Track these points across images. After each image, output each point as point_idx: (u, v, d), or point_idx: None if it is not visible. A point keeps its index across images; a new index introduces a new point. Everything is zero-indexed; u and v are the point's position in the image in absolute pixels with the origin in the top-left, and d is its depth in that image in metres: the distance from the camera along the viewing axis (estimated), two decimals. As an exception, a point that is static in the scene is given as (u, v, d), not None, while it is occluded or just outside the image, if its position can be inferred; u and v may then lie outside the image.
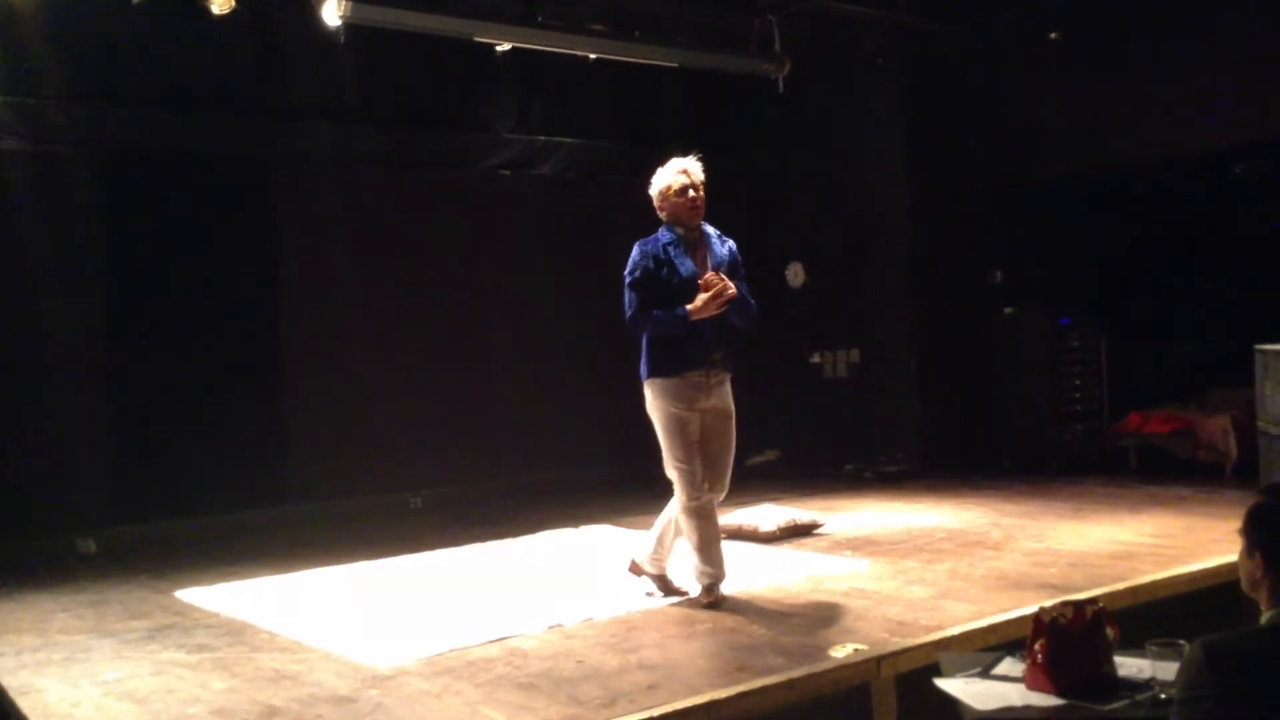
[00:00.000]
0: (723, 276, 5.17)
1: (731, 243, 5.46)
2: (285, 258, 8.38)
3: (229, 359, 8.01)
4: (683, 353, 5.19)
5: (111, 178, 7.70)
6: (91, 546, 7.37)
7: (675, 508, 5.33)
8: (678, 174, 5.33)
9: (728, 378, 5.33)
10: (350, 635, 5.05)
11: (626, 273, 5.29)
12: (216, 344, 7.97)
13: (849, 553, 6.46)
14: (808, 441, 9.95)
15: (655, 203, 5.39)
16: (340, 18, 6.81)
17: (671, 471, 5.28)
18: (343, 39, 7.23)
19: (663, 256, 5.24)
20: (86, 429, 7.57)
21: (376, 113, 8.71)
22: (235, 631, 5.26)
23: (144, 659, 4.86)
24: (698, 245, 5.34)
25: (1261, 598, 2.41)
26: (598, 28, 8.10)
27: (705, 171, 5.41)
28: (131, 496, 7.65)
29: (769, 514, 7.04)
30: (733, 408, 5.35)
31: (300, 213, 8.44)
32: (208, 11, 6.88)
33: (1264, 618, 2.41)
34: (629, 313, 5.26)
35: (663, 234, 5.34)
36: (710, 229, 5.42)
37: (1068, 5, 8.94)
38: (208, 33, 7.43)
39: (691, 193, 5.29)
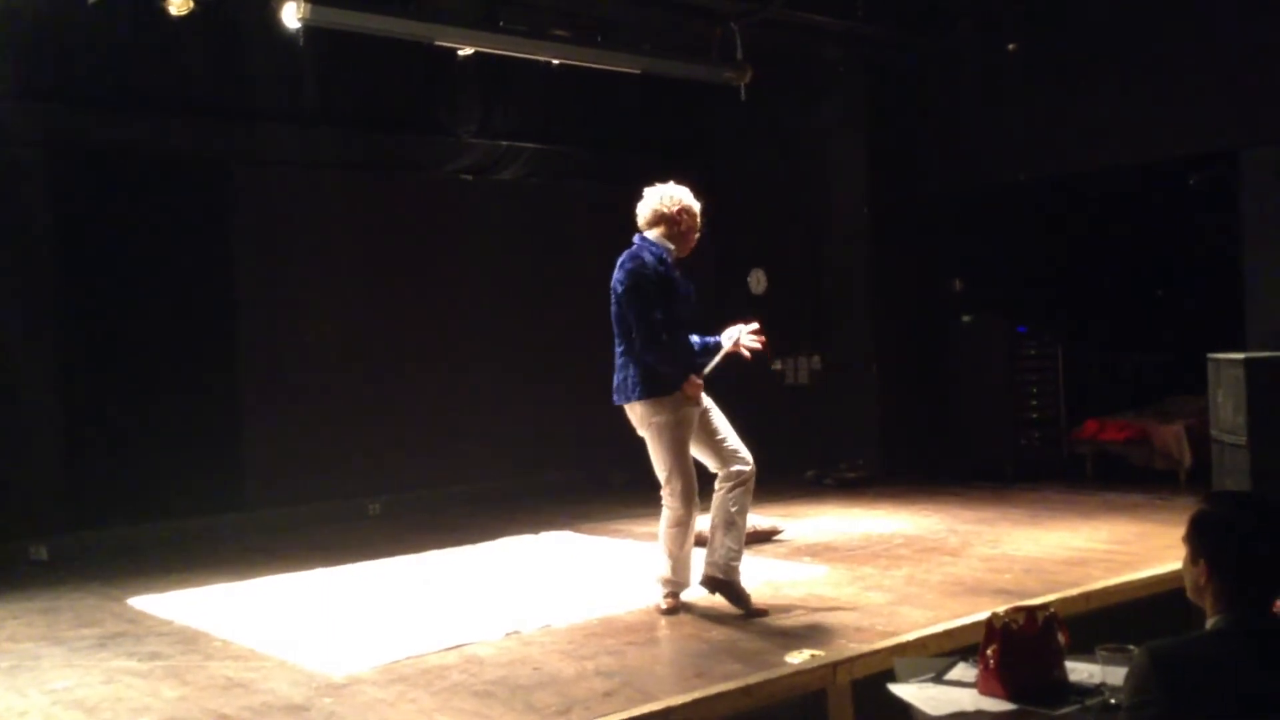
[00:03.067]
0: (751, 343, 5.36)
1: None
2: (243, 261, 8.31)
3: (184, 362, 7.93)
4: (683, 367, 5.20)
5: (66, 180, 7.61)
6: (43, 553, 7.26)
7: (710, 518, 5.29)
8: (696, 212, 5.38)
9: None
10: (305, 643, 5.00)
11: (634, 286, 5.15)
12: (172, 347, 7.89)
13: (808, 559, 6.49)
14: (768, 448, 9.88)
15: (672, 211, 5.30)
16: (300, 20, 6.75)
17: (673, 485, 5.22)
18: (302, 42, 7.17)
19: (664, 272, 5.24)
20: (39, 434, 7.47)
21: (336, 116, 8.67)
22: (188, 639, 5.20)
23: (94, 667, 4.80)
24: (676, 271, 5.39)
25: (1206, 603, 2.44)
26: (560, 33, 8.09)
27: (668, 180, 5.44)
28: (84, 502, 7.55)
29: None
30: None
31: (259, 216, 8.37)
32: (165, 12, 6.81)
33: (1209, 623, 2.43)
34: (651, 332, 5.11)
35: (659, 250, 5.28)
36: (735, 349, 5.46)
37: (1026, 17, 9.03)
38: (166, 34, 7.36)
39: (696, 236, 5.40)
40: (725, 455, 5.31)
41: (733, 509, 5.25)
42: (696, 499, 5.28)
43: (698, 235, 5.43)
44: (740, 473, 5.29)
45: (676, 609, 5.28)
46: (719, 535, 5.25)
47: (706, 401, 5.33)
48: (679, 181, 5.45)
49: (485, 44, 7.79)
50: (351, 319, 8.70)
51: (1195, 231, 9.96)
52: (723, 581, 5.24)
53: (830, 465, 9.59)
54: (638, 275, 5.18)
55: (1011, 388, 9.34)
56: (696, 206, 5.39)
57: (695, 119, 10.13)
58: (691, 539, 5.33)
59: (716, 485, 5.32)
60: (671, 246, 5.31)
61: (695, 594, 5.42)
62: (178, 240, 7.97)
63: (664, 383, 5.16)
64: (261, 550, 7.30)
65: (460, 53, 8.01)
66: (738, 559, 5.26)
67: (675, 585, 5.34)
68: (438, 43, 7.60)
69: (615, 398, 5.31)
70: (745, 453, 5.34)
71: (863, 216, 9.73)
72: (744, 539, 5.32)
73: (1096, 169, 9.27)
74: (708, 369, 5.35)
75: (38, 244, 7.53)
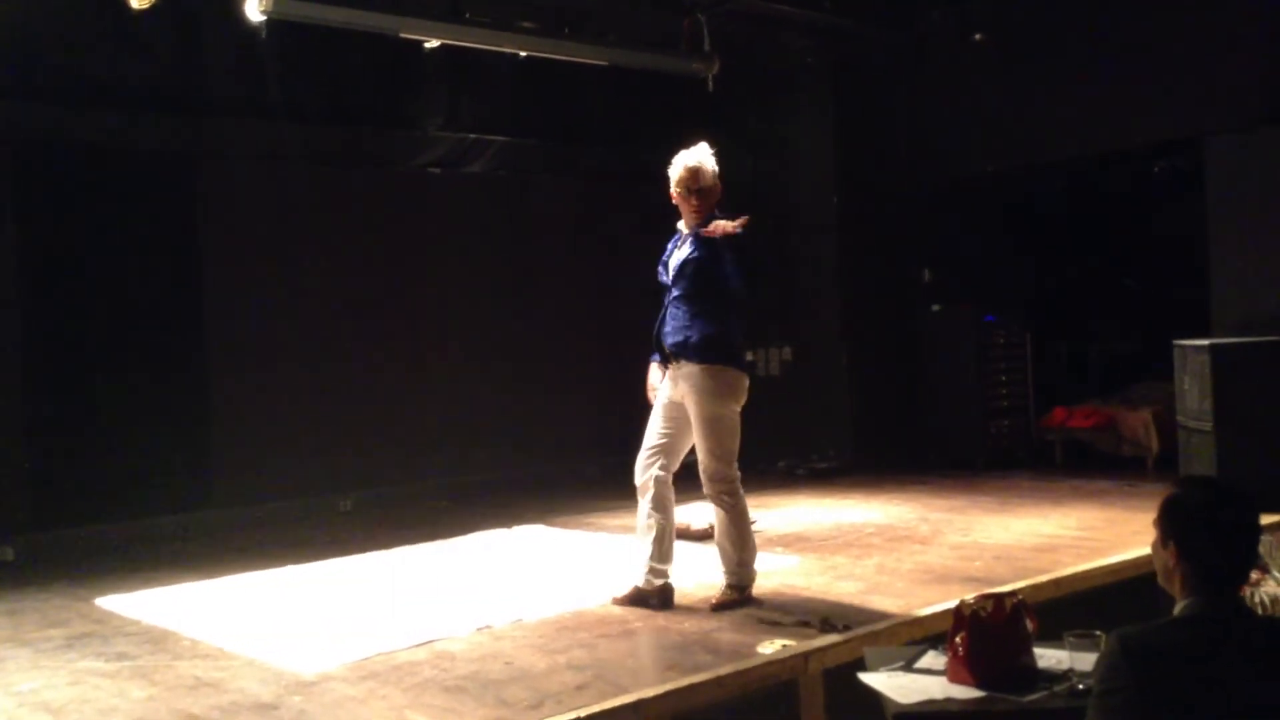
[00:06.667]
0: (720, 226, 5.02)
1: (723, 234, 5.01)
2: (208, 256, 8.22)
3: (150, 359, 7.84)
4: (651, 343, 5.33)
5: (27, 175, 7.50)
6: (9, 553, 7.16)
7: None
8: (682, 172, 5.17)
9: (692, 370, 5.12)
10: (274, 641, 4.96)
11: None
12: (137, 344, 7.79)
13: (780, 549, 6.49)
14: (741, 439, 9.96)
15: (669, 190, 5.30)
16: (262, 13, 6.68)
17: None
18: (265, 35, 7.10)
19: (663, 256, 5.36)
20: (2, 431, 7.37)
21: (301, 110, 8.57)
22: (156, 639, 5.15)
23: (61, 668, 4.74)
24: (687, 242, 5.27)
25: (1175, 588, 2.45)
26: (527, 25, 8.05)
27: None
28: (50, 501, 7.45)
29: (701, 512, 7.03)
30: (692, 402, 5.14)
31: (223, 210, 8.28)
32: (127, 6, 6.72)
33: (1177, 608, 2.44)
34: None
35: (677, 233, 5.37)
36: (702, 231, 5.12)
37: (993, 7, 9.06)
38: (127, 27, 7.26)
39: (695, 200, 5.15)
40: None
41: (646, 522, 5.22)
42: (651, 470, 5.21)
43: (694, 200, 5.13)
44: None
45: (665, 600, 5.24)
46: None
47: (680, 408, 5.23)
48: (657, 170, 5.37)
49: (451, 36, 7.73)
50: (320, 314, 8.63)
51: (1162, 219, 10.03)
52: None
53: (802, 456, 9.62)
54: None
55: (981, 376, 9.40)
56: (675, 173, 5.19)
57: (663, 111, 10.09)
58: (643, 513, 5.23)
59: None
60: (681, 224, 5.32)
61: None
62: (143, 236, 7.87)
63: None
64: (231, 548, 7.23)
65: (426, 45, 7.96)
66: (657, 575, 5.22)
67: (657, 575, 5.26)
68: (403, 35, 7.54)
69: None
70: (641, 463, 5.26)
71: (831, 207, 9.76)
72: (663, 550, 5.21)
73: (1064, 158, 9.33)
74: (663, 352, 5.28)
75: (-1, 241, 7.44)
